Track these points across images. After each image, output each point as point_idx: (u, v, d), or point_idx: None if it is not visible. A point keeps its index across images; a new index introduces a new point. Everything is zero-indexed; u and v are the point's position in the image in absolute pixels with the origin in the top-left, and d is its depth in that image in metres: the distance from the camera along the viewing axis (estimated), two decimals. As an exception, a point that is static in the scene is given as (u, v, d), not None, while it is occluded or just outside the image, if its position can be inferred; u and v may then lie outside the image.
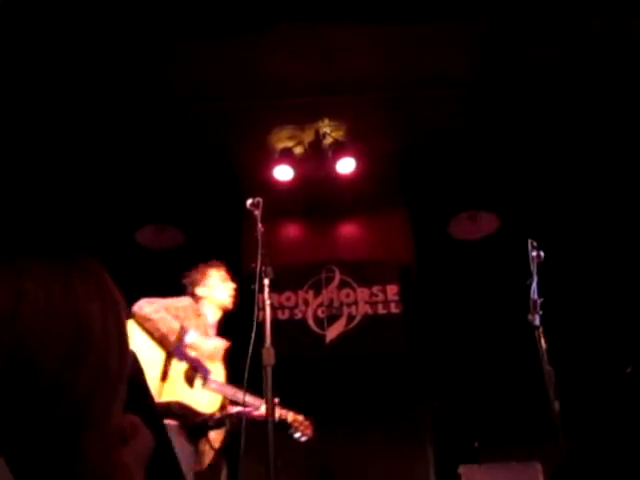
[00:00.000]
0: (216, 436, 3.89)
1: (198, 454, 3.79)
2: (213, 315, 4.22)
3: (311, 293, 6.61)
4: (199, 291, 4.26)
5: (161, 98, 5.51)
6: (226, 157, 6.23)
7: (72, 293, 0.86)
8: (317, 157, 6.20)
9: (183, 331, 3.79)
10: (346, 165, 6.20)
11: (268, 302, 3.35)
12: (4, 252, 0.88)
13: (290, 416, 4.01)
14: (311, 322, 6.47)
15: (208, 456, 3.85)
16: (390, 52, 5.17)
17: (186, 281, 4.35)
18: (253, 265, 3.46)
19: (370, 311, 6.50)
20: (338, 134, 6.08)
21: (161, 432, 1.06)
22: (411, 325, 6.39)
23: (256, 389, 3.66)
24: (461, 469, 4.69)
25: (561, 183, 6.19)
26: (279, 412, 3.92)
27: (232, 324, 4.36)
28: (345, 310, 6.52)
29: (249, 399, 3.80)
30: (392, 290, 6.55)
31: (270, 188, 6.13)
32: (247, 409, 3.84)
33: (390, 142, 6.12)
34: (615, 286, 5.93)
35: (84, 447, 0.82)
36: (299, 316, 6.48)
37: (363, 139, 6.07)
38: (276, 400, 3.90)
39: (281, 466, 3.23)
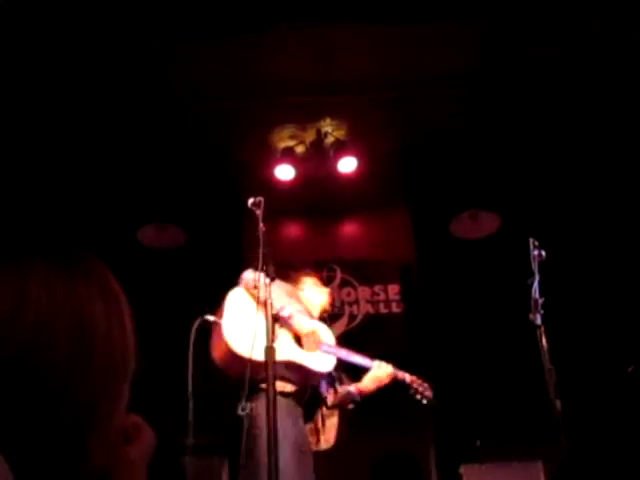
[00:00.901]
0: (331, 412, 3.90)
1: (309, 432, 3.78)
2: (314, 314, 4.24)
3: (312, 292, 6.61)
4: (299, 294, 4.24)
5: (162, 98, 5.51)
6: (227, 156, 6.23)
7: (75, 294, 0.86)
8: (318, 156, 6.20)
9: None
10: (347, 164, 6.20)
11: (269, 301, 3.34)
12: (7, 253, 0.88)
13: (407, 377, 4.07)
14: (313, 321, 6.47)
15: (330, 432, 3.86)
16: (390, 52, 5.17)
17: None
18: (255, 264, 3.46)
19: (372, 310, 6.51)
20: (339, 133, 6.08)
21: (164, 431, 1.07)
22: (413, 324, 6.40)
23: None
24: (462, 468, 4.69)
25: (562, 182, 6.19)
26: (395, 373, 4.05)
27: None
28: (347, 309, 6.53)
29: (361, 360, 4.03)
30: (393, 289, 6.56)
31: (271, 187, 6.13)
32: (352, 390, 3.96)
33: (391, 141, 6.12)
34: (617, 285, 5.93)
35: (88, 448, 0.82)
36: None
37: (364, 138, 6.07)
38: (390, 366, 4.04)
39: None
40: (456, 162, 6.23)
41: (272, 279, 3.39)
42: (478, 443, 5.24)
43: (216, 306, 3.86)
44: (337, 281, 6.66)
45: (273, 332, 3.27)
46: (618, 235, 6.04)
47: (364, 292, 6.59)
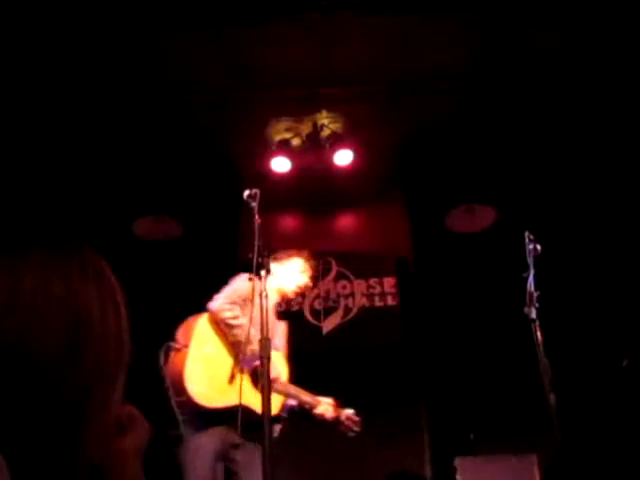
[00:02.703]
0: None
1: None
2: (272, 298, 4.00)
3: (308, 285, 6.61)
4: (272, 266, 4.19)
5: (158, 90, 5.50)
6: (224, 149, 6.22)
7: (70, 284, 0.86)
8: (314, 149, 6.19)
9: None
10: (343, 157, 6.20)
11: (265, 294, 3.34)
12: (3, 244, 0.88)
13: (343, 414, 3.94)
14: (308, 314, 6.48)
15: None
16: (389, 44, 5.16)
17: (269, 257, 4.26)
18: (250, 256, 3.45)
19: (367, 303, 6.52)
20: (336, 126, 6.07)
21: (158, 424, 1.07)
22: (408, 317, 6.40)
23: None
24: (457, 461, 4.70)
25: (558, 176, 6.19)
26: (334, 412, 3.90)
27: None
28: (342, 302, 6.53)
29: (308, 398, 3.86)
30: (389, 282, 6.57)
31: (267, 179, 6.12)
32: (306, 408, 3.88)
33: (388, 135, 6.11)
34: (612, 279, 5.94)
35: (84, 439, 0.82)
36: (296, 308, 6.48)
37: (361, 131, 6.06)
38: (331, 401, 3.93)
39: (278, 455, 3.23)
40: (452, 156, 6.23)
41: (267, 272, 3.39)
42: (472, 436, 5.25)
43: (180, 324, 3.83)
44: (332, 274, 6.67)
45: (267, 324, 3.26)
46: (614, 229, 6.05)
47: (360, 285, 6.59)
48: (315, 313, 6.49)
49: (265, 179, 6.09)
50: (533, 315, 3.49)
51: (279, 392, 3.77)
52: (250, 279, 3.91)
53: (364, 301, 6.53)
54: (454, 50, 5.20)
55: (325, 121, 6.05)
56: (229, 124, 5.95)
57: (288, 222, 7.09)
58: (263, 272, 3.37)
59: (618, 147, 5.92)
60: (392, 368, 6.02)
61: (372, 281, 6.59)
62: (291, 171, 6.30)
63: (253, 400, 3.63)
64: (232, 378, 3.69)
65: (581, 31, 4.98)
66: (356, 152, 6.17)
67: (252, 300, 3.87)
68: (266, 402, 3.02)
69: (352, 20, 4.92)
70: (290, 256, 4.23)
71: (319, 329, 6.41)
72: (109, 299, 0.90)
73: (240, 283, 3.95)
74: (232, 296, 3.83)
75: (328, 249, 6.78)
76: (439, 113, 5.84)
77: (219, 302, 3.80)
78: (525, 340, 3.51)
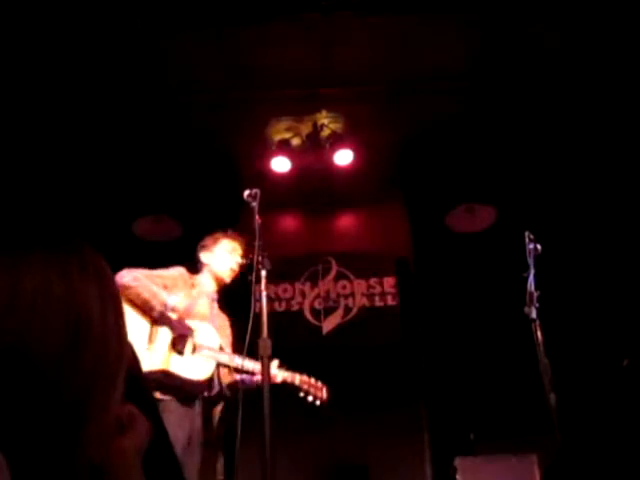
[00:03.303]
0: (214, 409, 3.80)
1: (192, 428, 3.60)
2: (209, 286, 4.07)
3: (308, 285, 6.62)
4: (203, 257, 4.14)
5: (159, 89, 5.50)
6: (224, 149, 6.22)
7: (70, 284, 0.86)
8: (314, 149, 6.19)
9: (165, 295, 3.66)
10: (344, 157, 6.19)
11: (265, 293, 3.34)
12: (3, 243, 0.88)
13: (297, 379, 3.83)
14: (308, 314, 6.48)
15: (198, 429, 3.66)
16: (389, 44, 5.16)
17: (198, 246, 4.21)
18: (250, 256, 3.45)
19: (367, 303, 6.52)
20: (336, 126, 6.07)
21: (158, 422, 1.06)
22: (408, 317, 6.40)
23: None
24: (457, 461, 4.70)
25: (558, 176, 6.19)
26: (283, 376, 3.78)
27: (229, 315, 4.34)
28: (342, 302, 6.53)
29: (247, 364, 3.61)
30: (389, 282, 6.57)
31: (267, 179, 6.12)
32: (245, 376, 3.71)
33: (388, 134, 6.11)
34: (612, 279, 5.94)
35: (84, 439, 0.82)
36: (296, 308, 6.49)
37: (361, 131, 6.06)
38: (276, 362, 3.72)
39: (278, 453, 3.22)
40: (452, 155, 6.22)
41: (268, 271, 3.39)
42: (472, 436, 5.25)
43: None
44: (332, 274, 6.67)
45: (267, 325, 3.25)
46: (614, 228, 6.05)
47: (360, 285, 6.59)
48: (315, 313, 6.49)
49: (265, 179, 6.08)
50: (533, 315, 3.50)
51: (207, 357, 3.65)
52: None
53: (364, 301, 6.53)
54: (454, 50, 5.20)
55: (325, 121, 6.05)
56: (229, 124, 5.94)
57: (288, 222, 7.09)
58: (263, 272, 3.37)
59: (618, 147, 5.92)
60: (392, 368, 6.02)
61: (372, 281, 6.60)
62: (291, 171, 6.30)
63: (177, 365, 3.56)
64: (150, 341, 3.59)
65: (581, 31, 4.98)
66: (356, 152, 6.17)
67: (176, 285, 3.88)
68: (267, 400, 3.02)
69: (352, 20, 4.91)
70: (216, 240, 4.20)
71: (319, 329, 6.41)
72: (109, 298, 0.90)
73: (170, 270, 3.96)
74: (136, 270, 3.76)
75: (328, 249, 6.78)
76: (439, 113, 5.84)
77: (120, 272, 3.69)
78: (525, 340, 3.51)
